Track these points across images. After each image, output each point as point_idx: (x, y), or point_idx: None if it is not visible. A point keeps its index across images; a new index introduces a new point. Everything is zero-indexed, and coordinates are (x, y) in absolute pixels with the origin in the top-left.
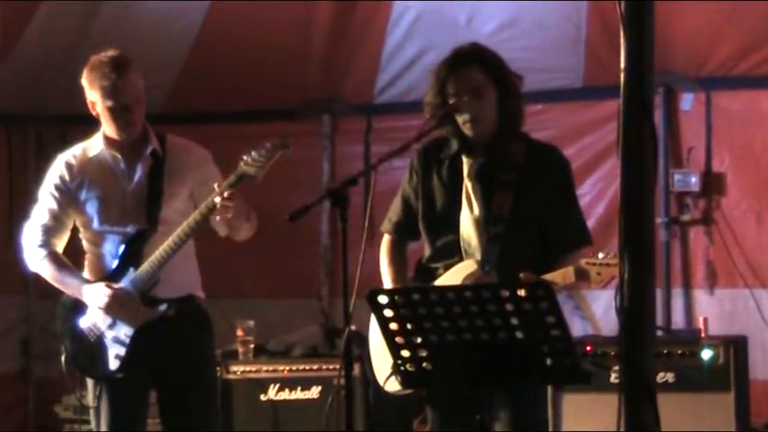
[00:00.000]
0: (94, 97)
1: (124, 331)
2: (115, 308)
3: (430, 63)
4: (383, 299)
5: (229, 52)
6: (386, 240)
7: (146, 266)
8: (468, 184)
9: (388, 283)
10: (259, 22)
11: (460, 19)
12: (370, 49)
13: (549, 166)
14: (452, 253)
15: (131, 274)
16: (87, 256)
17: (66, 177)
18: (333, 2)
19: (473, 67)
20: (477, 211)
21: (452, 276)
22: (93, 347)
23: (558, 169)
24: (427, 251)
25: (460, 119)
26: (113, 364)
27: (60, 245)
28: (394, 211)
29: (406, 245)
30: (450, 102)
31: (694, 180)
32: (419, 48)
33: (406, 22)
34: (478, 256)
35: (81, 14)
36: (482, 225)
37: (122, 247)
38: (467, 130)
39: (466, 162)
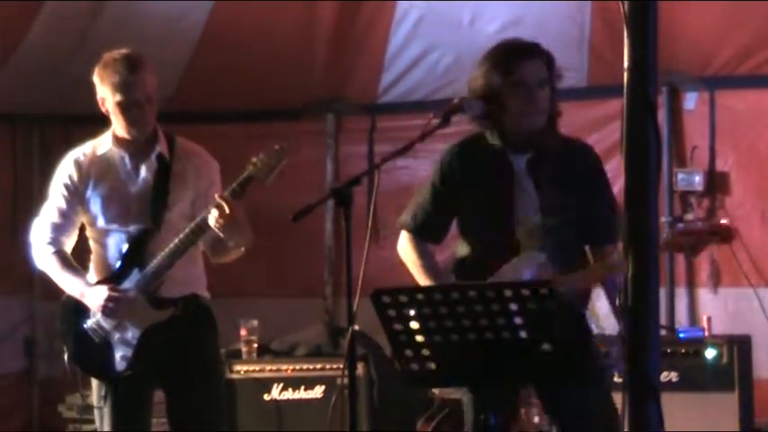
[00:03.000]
0: (105, 93)
1: (131, 333)
2: (118, 311)
3: (433, 62)
4: (387, 298)
5: (233, 52)
6: (407, 238)
7: (151, 268)
8: (519, 180)
9: (424, 278)
10: (262, 21)
11: (464, 19)
12: (374, 49)
13: (585, 160)
14: (504, 249)
15: (136, 275)
16: (93, 255)
17: (75, 176)
18: (337, 1)
19: (540, 59)
20: (531, 205)
21: (515, 269)
22: (97, 348)
23: (594, 163)
24: (470, 249)
25: (516, 109)
26: (120, 365)
27: (69, 243)
28: (419, 209)
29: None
30: (502, 91)
31: (698, 179)
32: (423, 47)
33: (410, 21)
34: (535, 251)
35: (85, 14)
36: (538, 219)
37: (125, 247)
38: (520, 122)
39: (512, 157)
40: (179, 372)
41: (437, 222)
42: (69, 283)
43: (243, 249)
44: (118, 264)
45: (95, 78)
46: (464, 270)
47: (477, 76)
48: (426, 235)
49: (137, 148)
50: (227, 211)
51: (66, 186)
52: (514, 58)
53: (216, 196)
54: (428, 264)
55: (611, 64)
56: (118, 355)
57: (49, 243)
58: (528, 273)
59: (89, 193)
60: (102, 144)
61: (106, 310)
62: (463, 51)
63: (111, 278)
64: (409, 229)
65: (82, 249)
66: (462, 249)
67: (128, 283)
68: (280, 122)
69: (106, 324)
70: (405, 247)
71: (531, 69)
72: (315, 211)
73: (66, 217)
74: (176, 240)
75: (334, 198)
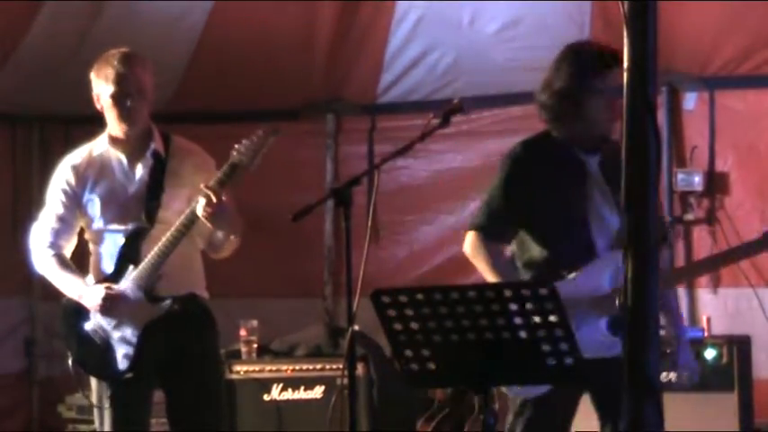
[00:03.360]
0: (99, 88)
1: (130, 331)
2: (115, 310)
3: (433, 62)
4: (386, 298)
5: (232, 52)
6: (479, 238)
7: (145, 264)
8: (594, 180)
9: (497, 279)
10: (262, 22)
11: (464, 19)
12: (374, 49)
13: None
14: (581, 249)
15: (131, 272)
16: (91, 257)
17: (73, 181)
18: (336, 2)
19: (621, 67)
20: (607, 205)
21: (597, 270)
22: (100, 349)
23: None
24: (545, 250)
25: (596, 115)
26: (123, 364)
27: (68, 247)
28: (489, 210)
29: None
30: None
31: (698, 179)
32: (422, 47)
33: (410, 21)
34: (612, 251)
35: (84, 15)
36: (614, 220)
37: (120, 247)
38: (598, 126)
39: (584, 158)
40: (179, 371)
41: (508, 222)
42: (68, 285)
43: (237, 240)
44: (113, 263)
45: (92, 75)
46: (540, 272)
47: (558, 77)
48: (497, 235)
49: (132, 147)
50: (214, 199)
51: (65, 192)
52: (603, 65)
53: (202, 186)
54: (500, 264)
55: None
56: (119, 354)
57: (48, 247)
58: (608, 274)
59: (87, 195)
60: (97, 145)
61: (104, 310)
62: (463, 51)
63: (108, 278)
64: (480, 230)
65: (82, 253)
66: (534, 251)
67: (124, 282)
68: (279, 123)
69: (106, 324)
70: (475, 247)
71: (615, 77)
72: (314, 211)
73: (64, 222)
74: (168, 234)
75: (334, 198)
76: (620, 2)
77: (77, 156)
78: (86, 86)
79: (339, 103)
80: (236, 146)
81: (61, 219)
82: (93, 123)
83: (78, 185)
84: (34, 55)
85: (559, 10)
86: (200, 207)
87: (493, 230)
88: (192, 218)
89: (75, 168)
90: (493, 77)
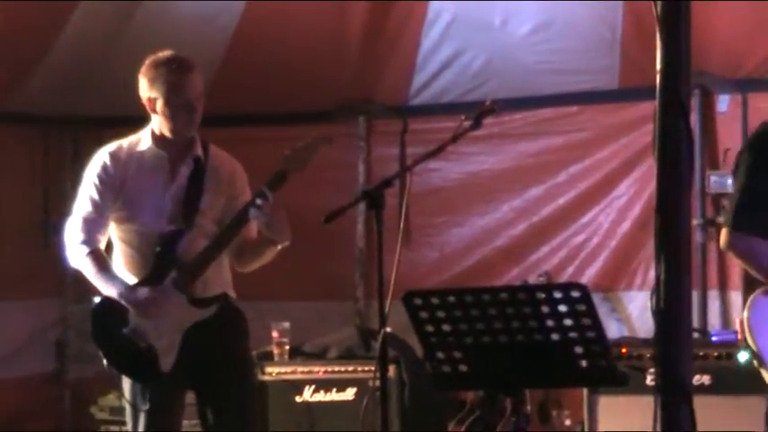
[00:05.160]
0: (157, 94)
1: (173, 333)
2: (159, 312)
3: (465, 64)
4: (418, 300)
5: (264, 54)
6: (738, 236)
7: (188, 267)
8: None
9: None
10: (294, 23)
11: (495, 20)
12: (406, 51)
13: None
14: None
15: (173, 275)
16: (121, 255)
17: (111, 168)
18: (368, 2)
19: None
20: None
21: None
22: (139, 350)
23: None
24: None
25: None
26: (165, 366)
27: (103, 240)
28: (752, 204)
29: None
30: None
31: (730, 182)
32: (454, 49)
33: (442, 23)
34: None
35: (116, 16)
36: None
37: (158, 248)
38: None
39: None
40: (213, 373)
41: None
42: (107, 285)
43: (278, 248)
44: (152, 265)
45: (143, 78)
46: None
47: None
48: (761, 228)
49: (177, 148)
50: (270, 204)
51: (101, 178)
52: None
53: (263, 188)
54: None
55: (643, 66)
56: (162, 356)
57: (83, 242)
58: None
59: (124, 189)
60: (141, 141)
61: (148, 312)
62: (495, 53)
63: (148, 279)
64: (746, 226)
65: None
66: None
67: (166, 284)
68: (311, 125)
69: (147, 326)
70: (744, 247)
71: None
72: (346, 213)
73: (99, 211)
74: (214, 238)
75: (366, 200)
76: (652, 3)
77: (117, 146)
78: (120, 88)
79: (371, 105)
80: (286, 153)
81: (96, 206)
82: (126, 125)
83: (117, 173)
84: (67, 57)
85: (591, 11)
86: (252, 211)
87: (757, 227)
88: (241, 222)
89: (115, 157)
90: (524, 79)
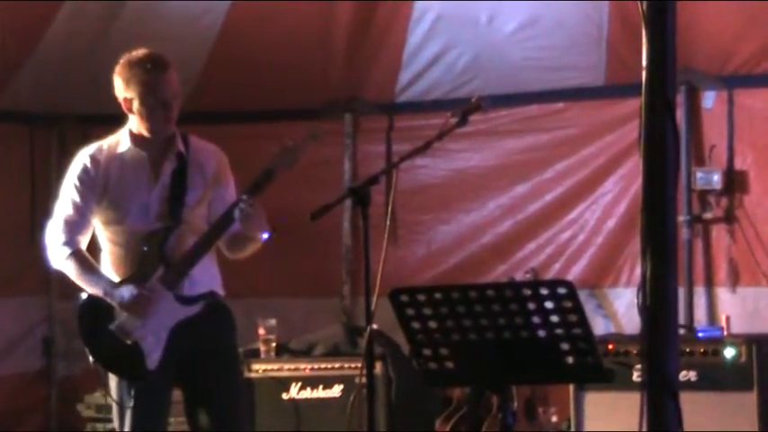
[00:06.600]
0: (133, 94)
1: (160, 331)
2: (147, 310)
3: (451, 61)
4: (405, 297)
5: (250, 52)
6: None
7: (175, 264)
8: None
9: None
10: (280, 21)
11: (482, 18)
12: (392, 48)
13: None
14: None
15: (160, 272)
16: (108, 255)
17: (91, 171)
18: (354, 1)
19: None
20: None
21: None
22: (126, 348)
23: None
24: None
25: None
26: (152, 364)
27: (84, 241)
28: None
29: None
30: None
31: (716, 178)
32: (440, 46)
33: (428, 20)
34: None
35: (103, 15)
36: None
37: (145, 247)
38: None
39: None
40: (200, 370)
41: None
42: (91, 284)
43: (260, 243)
44: (139, 263)
45: (118, 78)
46: None
47: None
48: None
49: (157, 146)
50: (254, 205)
51: (82, 180)
52: None
53: (244, 196)
54: None
55: (629, 63)
56: (148, 354)
57: (65, 244)
58: None
59: (107, 191)
60: (120, 143)
61: (135, 309)
62: (481, 50)
63: (135, 277)
64: None
65: (90, 251)
66: None
67: (153, 281)
68: (297, 122)
69: (133, 323)
70: None
71: None
72: (332, 210)
73: (81, 213)
74: (202, 235)
75: (352, 197)
76: (638, 1)
77: (97, 148)
78: (105, 86)
79: (357, 103)
80: (274, 150)
81: (78, 208)
82: (112, 123)
83: (97, 176)
84: (53, 55)
85: (577, 9)
86: (237, 212)
87: None
88: (228, 221)
89: (95, 159)
90: (511, 76)
